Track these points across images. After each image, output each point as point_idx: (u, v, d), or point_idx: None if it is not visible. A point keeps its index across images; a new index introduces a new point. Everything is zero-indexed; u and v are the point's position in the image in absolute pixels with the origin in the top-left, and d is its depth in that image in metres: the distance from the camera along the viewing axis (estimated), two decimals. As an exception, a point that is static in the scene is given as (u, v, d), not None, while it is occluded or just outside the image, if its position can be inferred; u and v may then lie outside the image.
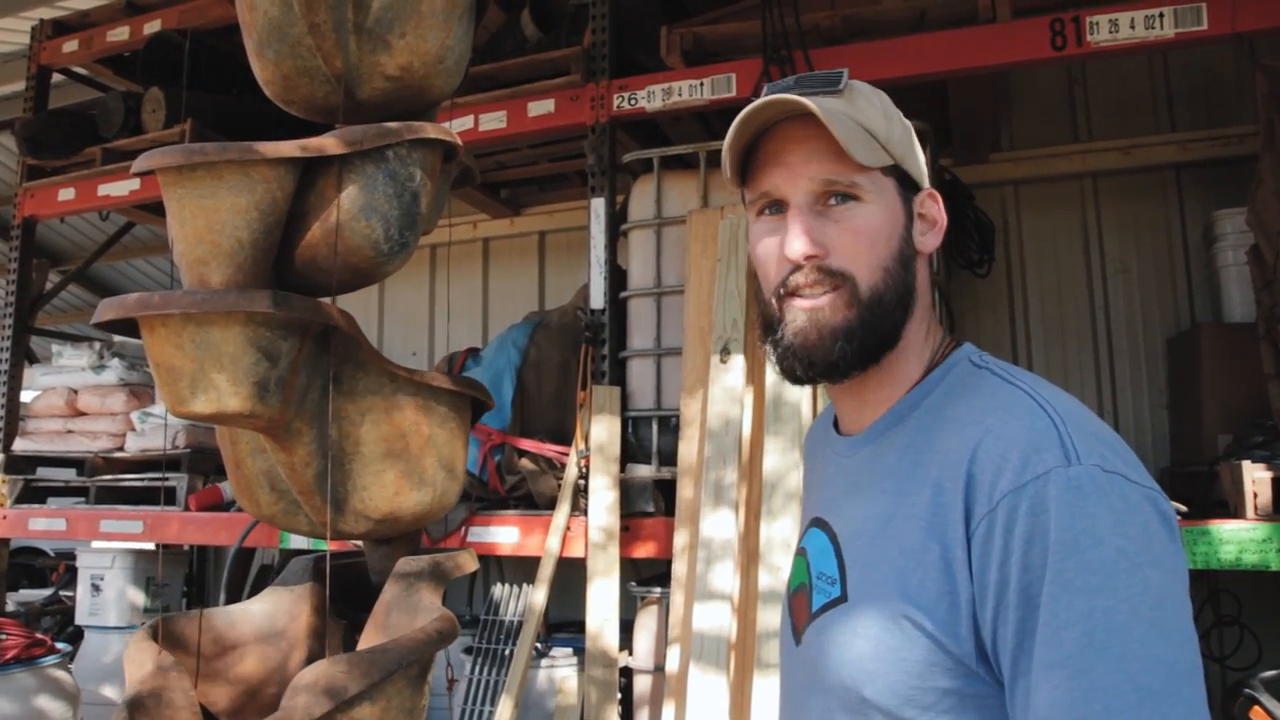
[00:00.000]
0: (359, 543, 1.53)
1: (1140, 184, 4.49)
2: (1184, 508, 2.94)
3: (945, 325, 3.66)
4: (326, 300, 1.22)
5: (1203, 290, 4.30)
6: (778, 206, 1.05)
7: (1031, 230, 4.68)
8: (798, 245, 1.01)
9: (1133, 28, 3.12)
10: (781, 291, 1.04)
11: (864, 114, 1.04)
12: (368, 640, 1.32)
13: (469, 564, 1.42)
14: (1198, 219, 4.34)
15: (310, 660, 1.37)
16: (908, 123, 1.10)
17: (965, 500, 0.92)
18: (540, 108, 3.81)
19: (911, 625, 0.92)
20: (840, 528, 1.05)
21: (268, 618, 1.39)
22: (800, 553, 1.12)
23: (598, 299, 3.59)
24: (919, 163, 1.09)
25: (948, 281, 4.05)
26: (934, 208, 1.09)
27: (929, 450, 0.99)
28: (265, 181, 1.15)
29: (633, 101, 3.65)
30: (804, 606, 1.07)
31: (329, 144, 1.20)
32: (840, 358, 1.01)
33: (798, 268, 1.02)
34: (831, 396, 1.14)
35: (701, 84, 3.56)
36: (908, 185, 1.07)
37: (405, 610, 1.30)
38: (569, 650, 3.66)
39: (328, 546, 1.34)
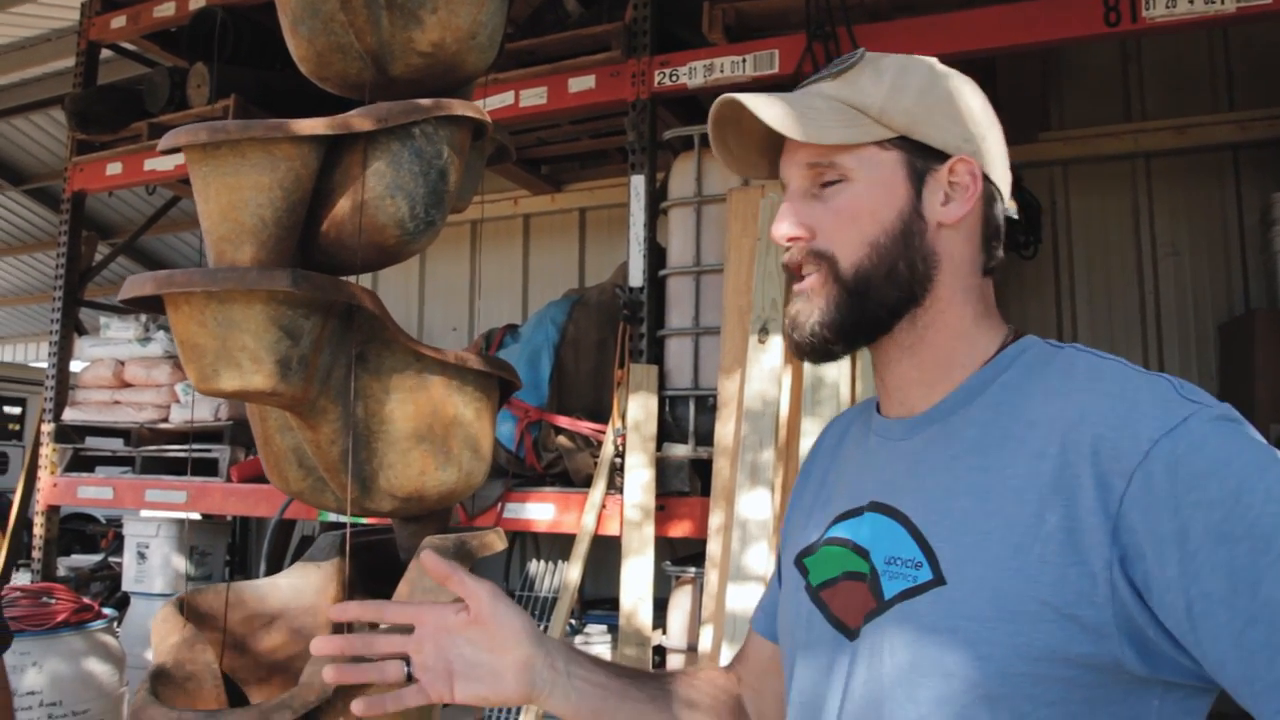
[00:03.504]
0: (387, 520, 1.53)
1: (1195, 164, 4.38)
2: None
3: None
4: (350, 278, 1.22)
5: (1258, 275, 4.19)
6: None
7: (1080, 211, 4.59)
8: (780, 227, 1.04)
9: (1191, 2, 3.02)
10: (785, 272, 1.06)
11: (860, 91, 1.02)
12: (393, 618, 1.32)
13: (496, 543, 1.42)
14: (1255, 201, 4.22)
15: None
16: (948, 89, 1.05)
17: (1094, 461, 0.88)
18: (581, 84, 3.78)
19: (1033, 601, 0.88)
20: (913, 509, 1.00)
21: (296, 592, 1.40)
22: (839, 543, 1.07)
23: (636, 277, 3.57)
24: (953, 129, 1.04)
25: (993, 262, 3.99)
26: (966, 174, 1.03)
27: (1024, 423, 0.95)
28: (289, 159, 1.14)
29: (674, 78, 3.62)
30: (863, 597, 1.01)
31: (354, 121, 1.20)
32: (812, 335, 1.02)
33: (789, 249, 1.04)
34: (876, 375, 1.10)
35: (744, 60, 3.51)
36: (927, 154, 1.03)
37: (428, 589, 1.29)
38: (603, 627, 3.67)
39: (348, 523, 1.34)
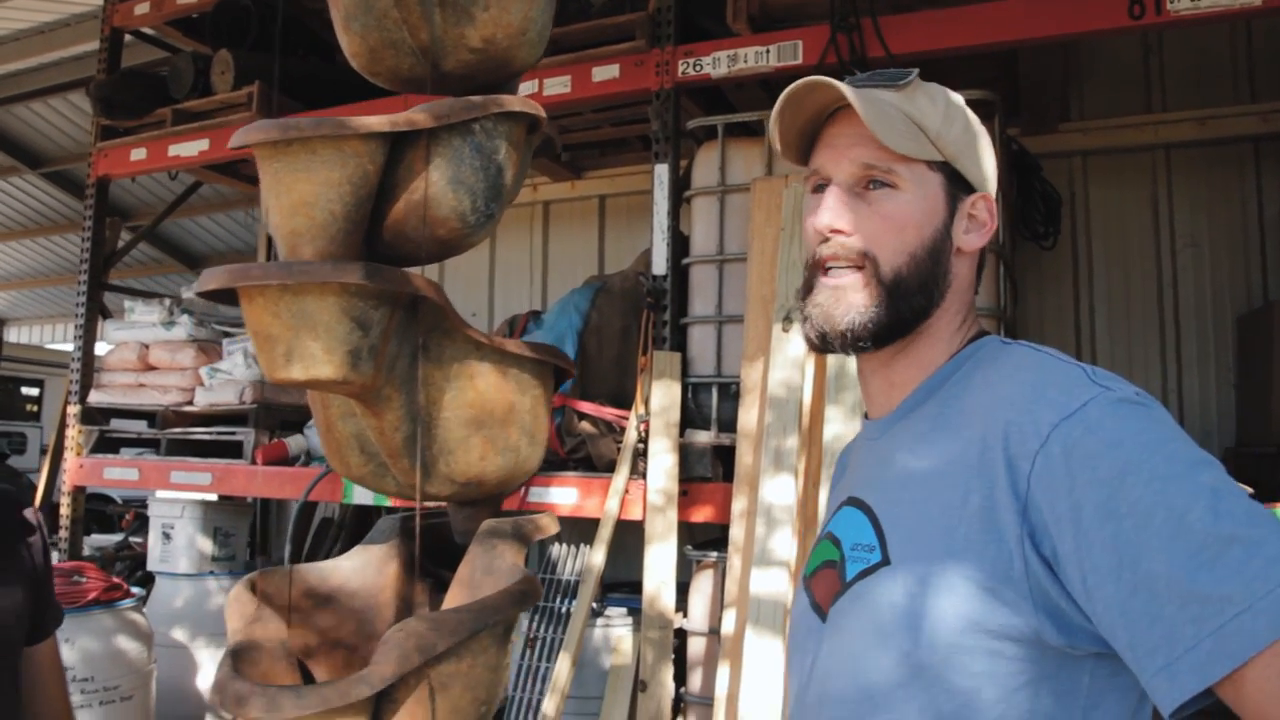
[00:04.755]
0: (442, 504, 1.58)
1: (1216, 156, 4.39)
2: (1249, 489, 2.91)
3: (1009, 297, 3.63)
4: (415, 270, 1.26)
5: (1277, 268, 4.21)
6: (825, 184, 1.12)
7: (1099, 202, 4.61)
8: (825, 217, 1.09)
9: (1216, -5, 3.03)
10: (812, 262, 1.12)
11: (920, 110, 1.09)
12: (453, 599, 1.36)
13: (550, 526, 1.46)
14: (1275, 194, 4.24)
15: (396, 615, 1.43)
16: (978, 128, 1.15)
17: (1005, 445, 0.95)
18: (605, 73, 3.81)
19: (959, 577, 0.95)
20: (875, 500, 1.09)
21: (356, 574, 1.45)
22: (826, 537, 1.15)
23: (660, 265, 3.60)
24: (980, 167, 1.14)
25: (1012, 253, 4.01)
26: (985, 210, 1.14)
27: (960, 413, 1.05)
28: (357, 155, 1.18)
29: (698, 68, 3.64)
30: (832, 582, 1.10)
31: (418, 118, 1.23)
32: (849, 329, 1.08)
33: (825, 240, 1.09)
34: (861, 380, 1.19)
35: (767, 51, 3.54)
36: (959, 184, 1.12)
37: (488, 570, 1.34)
38: (623, 610, 3.72)
39: (417, 508, 1.38)
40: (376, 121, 1.20)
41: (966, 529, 0.96)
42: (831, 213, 1.09)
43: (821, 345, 1.11)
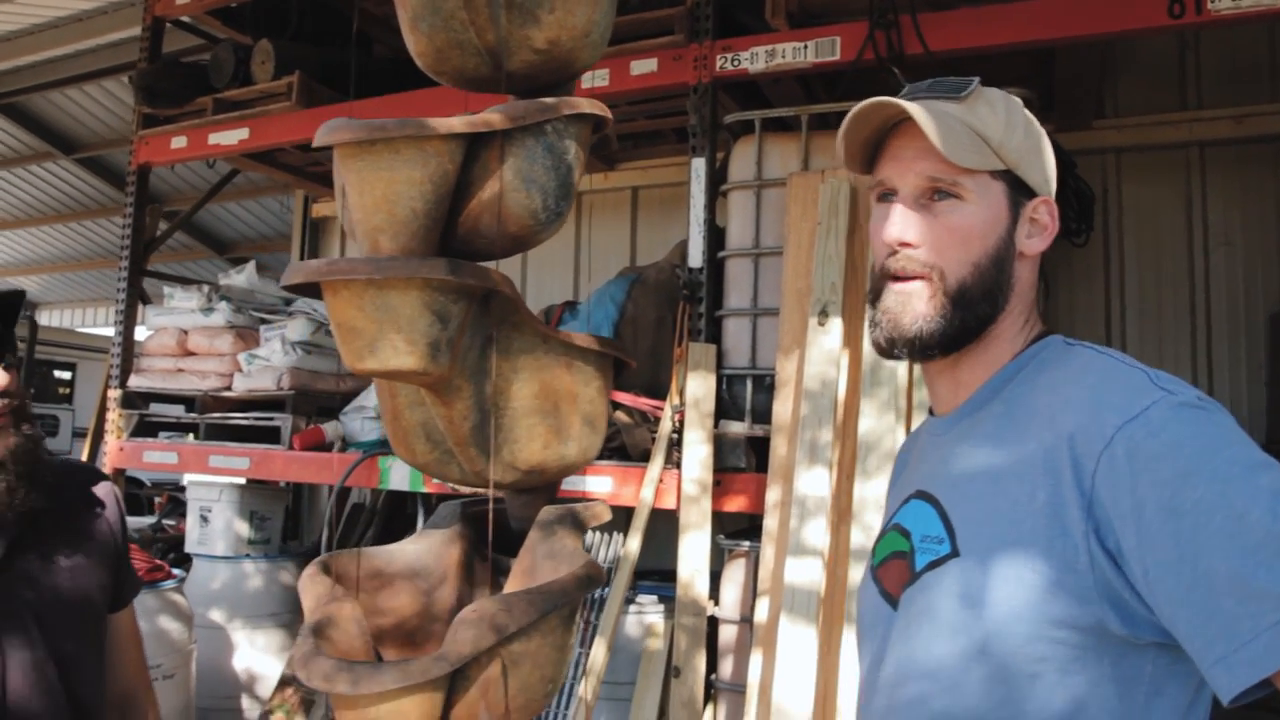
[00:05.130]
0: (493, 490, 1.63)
1: (1251, 154, 4.39)
2: None
3: (1042, 293, 3.66)
4: (490, 265, 1.31)
5: (1310, 266, 4.22)
6: (890, 195, 1.17)
7: (1132, 200, 4.62)
8: (892, 231, 1.14)
9: (1258, -6, 3.04)
10: (880, 272, 1.16)
11: (981, 120, 1.13)
12: (514, 583, 1.41)
13: (604, 514, 1.51)
14: (1310, 192, 4.25)
15: (458, 598, 1.48)
16: (1039, 131, 1.18)
17: (1071, 446, 1.00)
18: (643, 67, 3.85)
19: (1026, 569, 1.00)
20: (943, 494, 1.14)
21: (420, 557, 1.50)
22: (893, 529, 1.21)
23: (696, 258, 3.64)
24: (1042, 171, 1.17)
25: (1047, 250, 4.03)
26: (1048, 214, 1.18)
27: (1026, 412, 1.09)
28: (438, 155, 1.23)
29: (735, 63, 3.68)
30: (902, 572, 1.15)
31: (494, 119, 1.28)
32: (916, 337, 1.13)
33: (893, 252, 1.14)
34: (927, 380, 1.24)
35: (805, 46, 3.57)
36: (1021, 190, 1.15)
37: (549, 555, 1.39)
38: (655, 598, 3.78)
39: (489, 495, 1.44)
40: (458, 122, 1.25)
41: (1033, 523, 1.01)
42: (899, 226, 1.13)
43: (890, 352, 1.16)
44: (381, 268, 1.17)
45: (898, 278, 1.14)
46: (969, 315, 1.13)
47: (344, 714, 1.17)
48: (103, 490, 1.59)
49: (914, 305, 1.13)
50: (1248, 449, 0.95)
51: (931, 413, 1.27)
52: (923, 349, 1.14)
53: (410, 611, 1.49)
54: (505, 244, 1.34)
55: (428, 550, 1.51)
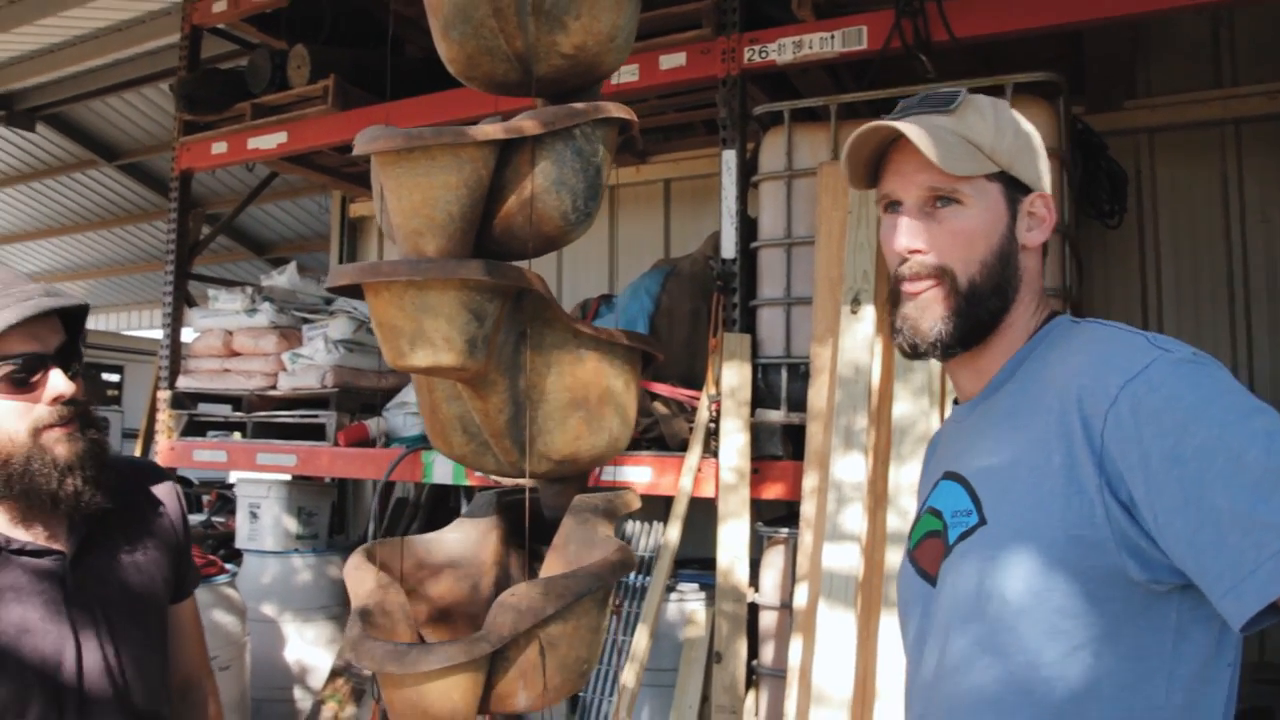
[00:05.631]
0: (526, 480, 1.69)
1: (1288, 130, 4.35)
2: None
3: (1075, 276, 3.66)
4: (523, 264, 1.36)
5: (1350, 241, 4.17)
6: (895, 206, 1.26)
7: (1166, 179, 4.59)
8: (901, 241, 1.23)
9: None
10: (896, 279, 1.25)
11: (971, 128, 1.21)
12: (549, 569, 1.47)
13: (634, 502, 1.56)
14: (1348, 166, 4.20)
15: (496, 584, 1.54)
16: (1028, 130, 1.27)
17: (1079, 408, 1.07)
18: (672, 61, 3.89)
19: (1047, 526, 1.07)
20: (969, 471, 1.21)
21: (459, 546, 1.56)
22: (927, 512, 1.28)
23: (729, 249, 3.68)
24: (1035, 168, 1.26)
25: (1076, 231, 4.02)
26: (1044, 207, 1.26)
27: (1039, 385, 1.17)
28: (473, 161, 1.28)
29: (763, 54, 3.70)
30: (937, 549, 1.22)
31: (526, 125, 1.33)
32: (937, 339, 1.21)
33: (904, 260, 1.23)
34: (949, 373, 1.33)
35: (832, 36, 3.59)
36: (1017, 188, 1.24)
37: (583, 542, 1.44)
38: (695, 585, 3.83)
39: (526, 486, 1.50)
40: (491, 129, 1.30)
41: (1051, 484, 1.08)
42: (907, 236, 1.22)
43: (914, 354, 1.25)
44: (421, 270, 1.23)
45: (911, 283, 1.22)
46: (981, 311, 1.21)
47: (392, 694, 1.23)
48: (164, 488, 1.67)
49: (931, 310, 1.21)
50: (1242, 396, 1.02)
51: (956, 402, 1.35)
52: (945, 349, 1.23)
53: (451, 597, 1.56)
54: (537, 244, 1.39)
55: (466, 539, 1.57)
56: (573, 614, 1.30)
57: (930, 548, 1.24)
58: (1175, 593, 1.05)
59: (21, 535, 1.42)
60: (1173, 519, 0.99)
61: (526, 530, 1.49)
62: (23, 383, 1.37)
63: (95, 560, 1.49)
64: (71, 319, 1.49)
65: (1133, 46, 4.24)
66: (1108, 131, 4.40)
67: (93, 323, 14.74)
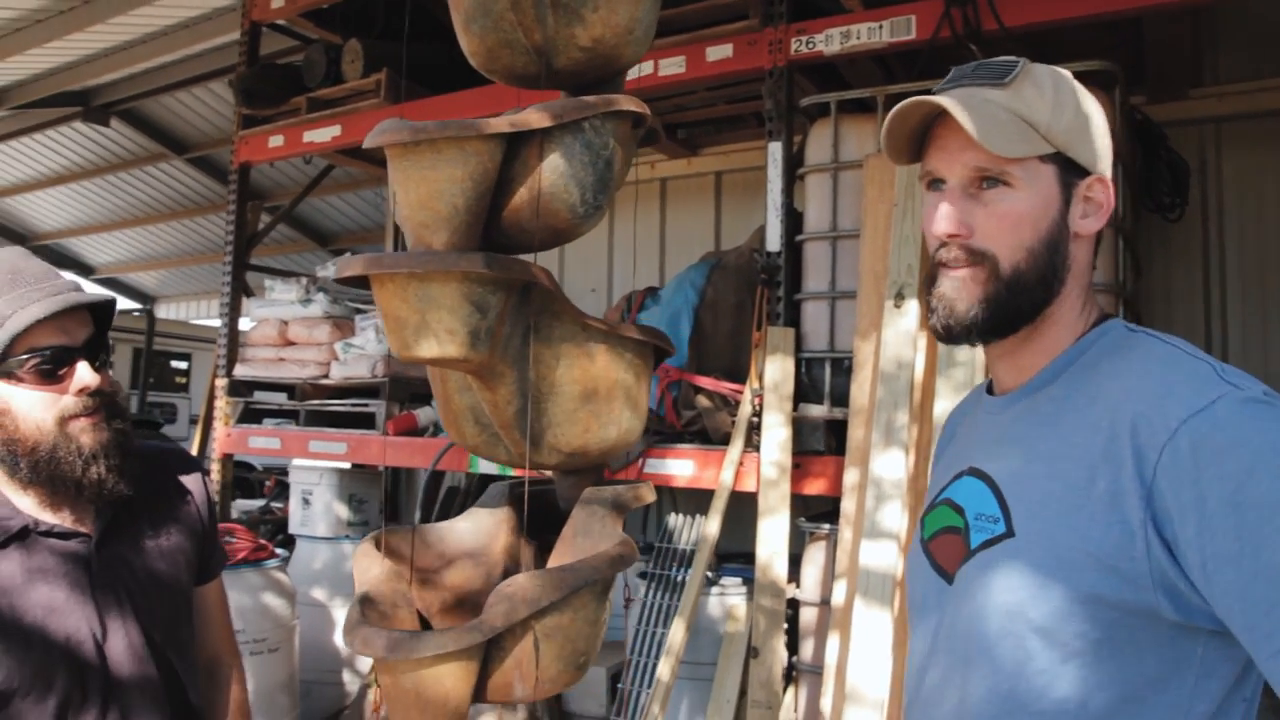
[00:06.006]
0: (548, 472, 1.70)
1: (1362, 118, 4.18)
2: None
3: (1131, 272, 3.56)
4: (528, 257, 1.36)
5: None
6: (938, 184, 1.17)
7: (1234, 171, 4.43)
8: (941, 225, 1.14)
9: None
10: (934, 262, 1.17)
11: (1027, 104, 1.12)
12: (555, 560, 1.47)
13: (647, 495, 1.55)
14: None
15: (506, 574, 1.55)
16: (1089, 109, 1.16)
17: (1133, 436, 1.00)
18: (718, 52, 3.86)
19: (1081, 553, 1.01)
20: (998, 472, 1.15)
21: (471, 535, 1.57)
22: (944, 502, 1.22)
23: (774, 242, 3.65)
24: (1093, 149, 1.16)
25: (1135, 227, 3.91)
26: (1102, 192, 1.16)
27: (1088, 398, 1.09)
28: (478, 154, 1.29)
29: (810, 45, 3.66)
30: (956, 547, 1.17)
31: (533, 118, 1.33)
32: (973, 323, 1.14)
33: (944, 243, 1.15)
34: (989, 361, 1.25)
35: (880, 26, 3.53)
36: (1073, 170, 1.14)
37: (589, 535, 1.44)
38: (738, 580, 3.81)
39: (525, 474, 1.50)
40: (496, 122, 1.30)
41: (1091, 509, 1.02)
42: (948, 220, 1.14)
43: (947, 337, 1.17)
44: (423, 262, 1.24)
45: (950, 266, 1.15)
46: (1023, 300, 1.13)
47: (387, 680, 1.25)
48: (190, 474, 1.71)
49: (968, 291, 1.14)
50: None
51: (990, 391, 1.27)
52: (980, 334, 1.15)
53: (463, 588, 1.57)
54: (546, 236, 1.39)
55: (477, 528, 1.58)
56: (570, 606, 1.30)
57: (948, 544, 1.19)
58: (1203, 632, 1.00)
59: (49, 518, 1.47)
60: (1223, 568, 0.93)
61: (524, 520, 1.50)
62: (50, 374, 1.43)
63: (120, 543, 1.53)
64: (100, 313, 1.53)
65: (1196, 33, 4.11)
66: (1171, 122, 4.27)
67: (162, 312, 15.18)
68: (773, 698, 3.22)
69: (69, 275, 1.55)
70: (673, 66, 3.93)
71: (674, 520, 3.96)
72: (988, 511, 1.13)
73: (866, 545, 2.91)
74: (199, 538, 1.68)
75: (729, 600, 3.72)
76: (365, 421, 4.75)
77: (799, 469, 3.45)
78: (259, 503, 7.31)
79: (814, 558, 3.41)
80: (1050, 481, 1.07)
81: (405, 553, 1.53)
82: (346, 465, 5.27)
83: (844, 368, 3.45)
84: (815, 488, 3.45)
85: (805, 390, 3.55)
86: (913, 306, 3.11)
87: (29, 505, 1.47)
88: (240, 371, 5.21)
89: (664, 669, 3.27)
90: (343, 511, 5.00)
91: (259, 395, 5.23)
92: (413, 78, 4.87)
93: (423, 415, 4.65)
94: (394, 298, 1.28)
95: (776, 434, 3.42)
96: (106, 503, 1.50)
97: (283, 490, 7.28)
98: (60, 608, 1.44)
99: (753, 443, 3.51)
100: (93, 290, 1.51)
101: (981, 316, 1.13)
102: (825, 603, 3.30)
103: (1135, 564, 0.98)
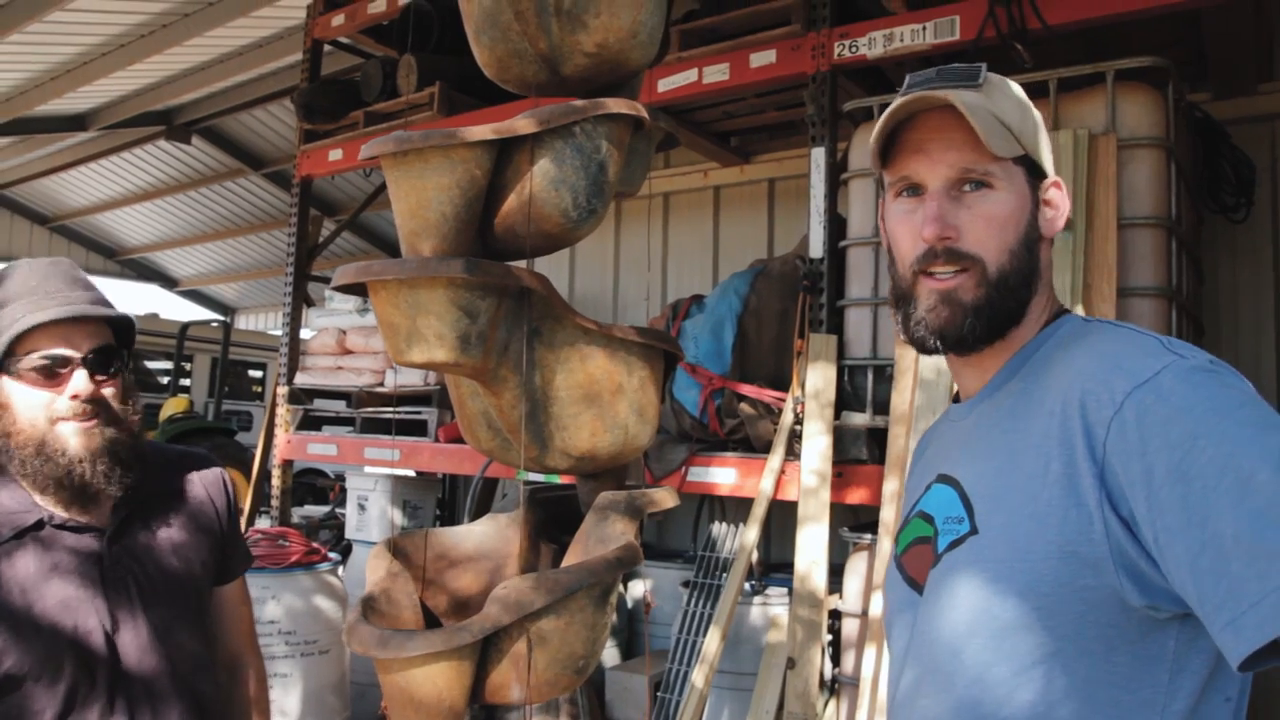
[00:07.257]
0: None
1: None
2: None
3: (1190, 276, 3.45)
4: (519, 263, 1.38)
5: None
6: (915, 190, 1.14)
7: (1303, 170, 4.28)
8: (933, 229, 1.10)
9: None
10: (916, 269, 1.13)
11: (1000, 106, 1.12)
12: (567, 563, 1.49)
13: (666, 500, 1.55)
14: None
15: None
16: (1038, 115, 1.18)
17: (1082, 414, 0.99)
18: (762, 58, 3.85)
19: (1041, 540, 0.99)
20: (963, 475, 1.13)
21: (486, 538, 1.59)
22: (917, 516, 1.20)
23: (817, 248, 3.63)
24: (1047, 152, 1.17)
25: (1197, 229, 3.80)
26: (1058, 195, 1.17)
27: (1041, 388, 1.08)
28: (465, 162, 1.31)
29: (854, 49, 3.63)
30: (925, 556, 1.15)
31: (520, 124, 1.35)
32: (969, 332, 1.11)
33: (928, 250, 1.11)
34: (953, 369, 1.23)
35: (924, 28, 3.49)
36: (1035, 173, 1.15)
37: (598, 538, 1.45)
38: (783, 590, 3.79)
39: (523, 479, 1.51)
40: (480, 130, 1.32)
41: (1049, 494, 1.00)
42: (939, 223, 1.11)
43: (935, 348, 1.15)
44: (407, 269, 1.26)
45: (939, 273, 1.12)
46: (1011, 301, 1.12)
47: (383, 679, 1.27)
48: (211, 476, 1.77)
49: (960, 301, 1.11)
50: (1259, 410, 0.92)
51: (956, 401, 1.26)
52: (975, 342, 1.13)
53: (479, 590, 1.59)
54: (539, 242, 1.41)
55: (493, 533, 1.60)
56: (565, 609, 1.31)
57: (919, 555, 1.16)
58: (1174, 621, 0.97)
59: (64, 513, 1.53)
60: (1173, 541, 0.89)
61: (528, 523, 1.51)
62: (48, 377, 1.51)
63: (132, 539, 1.58)
64: (122, 329, 1.60)
65: (1258, 25, 3.97)
66: (1237, 119, 4.14)
67: (241, 322, 15.62)
68: (809, 709, 3.18)
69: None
70: (716, 74, 3.94)
71: (717, 529, 3.95)
72: (954, 514, 1.11)
73: (905, 554, 2.87)
74: (217, 537, 1.72)
75: (772, 610, 3.69)
76: (418, 429, 4.83)
77: (841, 478, 3.41)
78: (324, 509, 7.46)
79: (856, 568, 3.37)
80: (1010, 474, 1.05)
81: (420, 556, 1.56)
82: (399, 471, 5.35)
83: (886, 375, 3.41)
84: (857, 497, 3.42)
85: (848, 398, 3.51)
86: (954, 312, 3.06)
87: (48, 503, 1.53)
88: (300, 380, 5.33)
89: (698, 677, 3.26)
90: (397, 517, 5.08)
91: (318, 403, 5.35)
92: (464, 90, 4.94)
93: (475, 423, 4.70)
94: (387, 304, 1.31)
95: (817, 442, 3.39)
96: (123, 499, 1.56)
97: (346, 496, 7.42)
98: (71, 599, 1.49)
99: (794, 451, 3.49)
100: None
101: (976, 325, 1.11)
102: (866, 614, 3.25)
103: (1095, 547, 0.96)
